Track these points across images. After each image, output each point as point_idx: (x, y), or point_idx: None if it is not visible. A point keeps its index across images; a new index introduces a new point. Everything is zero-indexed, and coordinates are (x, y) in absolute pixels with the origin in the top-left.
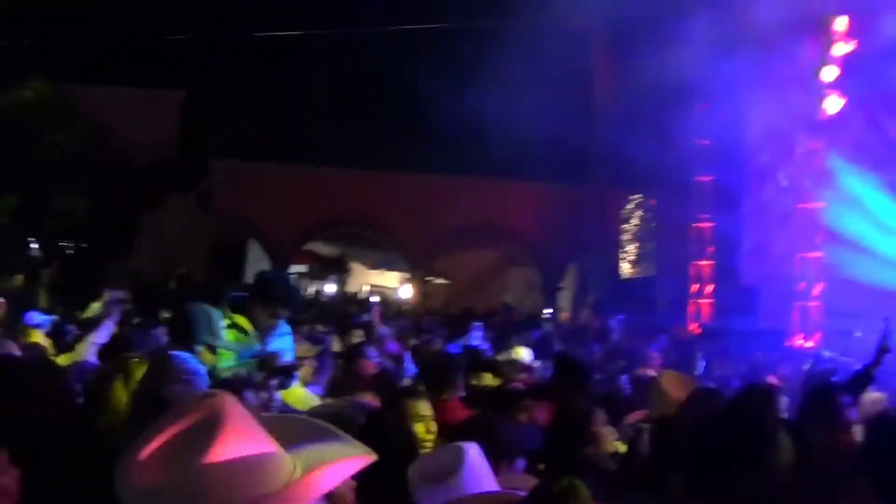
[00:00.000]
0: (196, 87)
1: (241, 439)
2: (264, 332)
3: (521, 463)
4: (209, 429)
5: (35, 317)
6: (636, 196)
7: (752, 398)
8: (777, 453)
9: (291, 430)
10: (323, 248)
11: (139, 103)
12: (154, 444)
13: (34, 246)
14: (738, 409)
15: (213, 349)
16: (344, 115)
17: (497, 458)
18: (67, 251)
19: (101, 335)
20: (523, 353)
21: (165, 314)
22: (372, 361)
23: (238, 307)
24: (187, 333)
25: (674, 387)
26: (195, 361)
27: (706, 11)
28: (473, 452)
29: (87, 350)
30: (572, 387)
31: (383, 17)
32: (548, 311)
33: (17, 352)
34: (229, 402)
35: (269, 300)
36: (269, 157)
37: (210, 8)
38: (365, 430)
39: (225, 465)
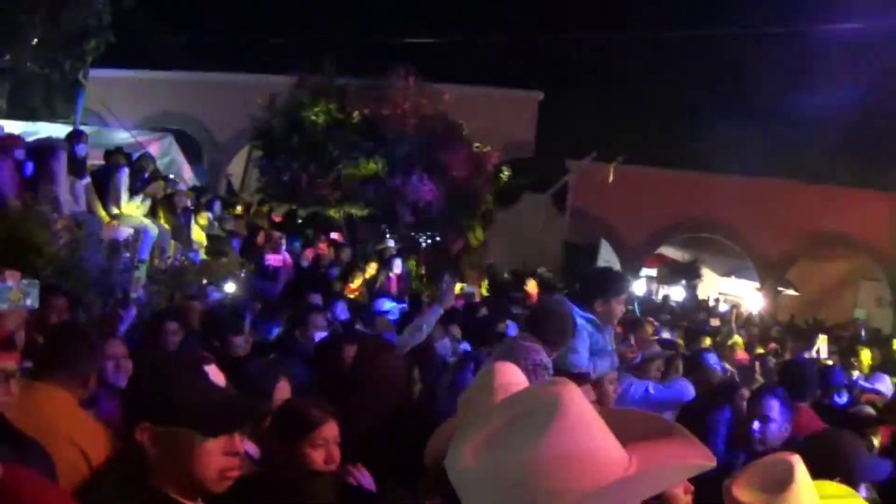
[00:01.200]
0: (554, 87)
1: (576, 429)
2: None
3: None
4: (545, 416)
5: (384, 303)
6: None
7: None
8: None
9: (632, 424)
10: (674, 253)
11: (498, 103)
12: (488, 429)
13: (390, 238)
14: None
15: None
16: (692, 117)
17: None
18: (423, 243)
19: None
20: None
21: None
22: (714, 367)
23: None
24: (540, 329)
25: None
26: (544, 355)
27: None
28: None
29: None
30: None
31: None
32: None
33: None
34: (570, 390)
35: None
36: (626, 159)
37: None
38: None
39: (556, 454)
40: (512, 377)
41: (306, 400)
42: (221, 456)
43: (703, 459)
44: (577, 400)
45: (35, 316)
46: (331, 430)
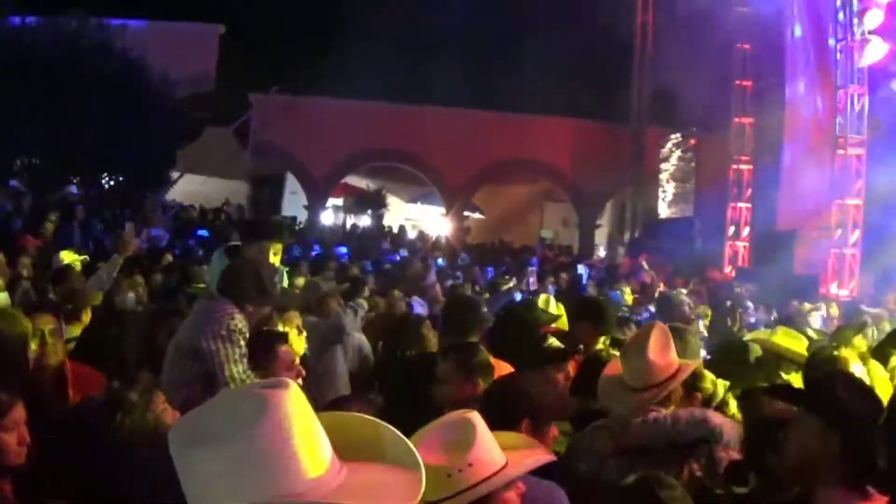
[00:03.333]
0: (235, 20)
1: (276, 433)
2: None
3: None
4: (247, 419)
5: (66, 256)
6: (675, 135)
7: None
8: None
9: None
10: (360, 182)
11: (178, 37)
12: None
13: (73, 181)
14: None
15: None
16: (380, 48)
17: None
18: (106, 185)
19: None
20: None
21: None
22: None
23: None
24: (233, 287)
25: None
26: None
27: None
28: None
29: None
30: None
31: None
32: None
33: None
34: (281, 393)
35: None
36: (308, 91)
37: None
38: None
39: (247, 454)
40: None
41: None
42: None
43: (417, 487)
44: (286, 404)
45: None
46: (19, 412)
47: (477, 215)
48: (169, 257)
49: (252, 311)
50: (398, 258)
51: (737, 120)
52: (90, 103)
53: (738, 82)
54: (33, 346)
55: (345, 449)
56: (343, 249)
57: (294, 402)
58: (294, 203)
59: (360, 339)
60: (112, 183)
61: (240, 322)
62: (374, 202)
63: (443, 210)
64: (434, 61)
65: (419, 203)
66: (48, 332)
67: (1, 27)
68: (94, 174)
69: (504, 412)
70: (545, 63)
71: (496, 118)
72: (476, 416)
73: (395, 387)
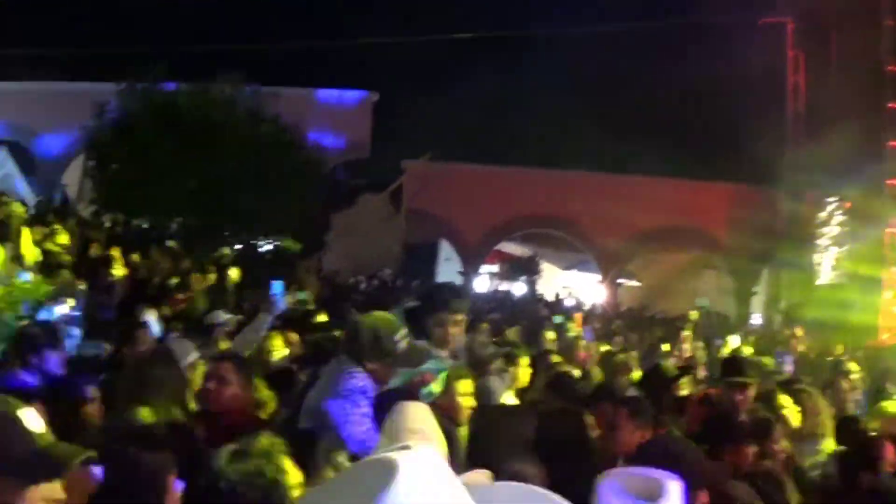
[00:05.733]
0: (387, 88)
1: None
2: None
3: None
4: (373, 490)
5: (219, 315)
6: (833, 198)
7: None
8: None
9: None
10: (514, 248)
11: (333, 104)
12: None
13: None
14: None
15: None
16: (531, 115)
17: None
18: (259, 249)
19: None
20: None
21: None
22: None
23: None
24: (354, 349)
25: None
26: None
27: None
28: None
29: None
30: None
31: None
32: None
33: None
34: (413, 457)
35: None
36: (461, 157)
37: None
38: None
39: None
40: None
41: None
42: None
43: None
44: (420, 468)
45: None
46: None
47: (633, 282)
48: (324, 316)
49: (376, 369)
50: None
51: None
52: (246, 166)
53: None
54: None
55: None
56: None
57: (428, 468)
58: (448, 269)
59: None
60: (266, 246)
61: (360, 381)
62: (529, 268)
63: (598, 277)
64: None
65: (575, 270)
66: None
67: (154, 91)
68: (249, 236)
69: None
70: (699, 128)
71: (651, 183)
72: None
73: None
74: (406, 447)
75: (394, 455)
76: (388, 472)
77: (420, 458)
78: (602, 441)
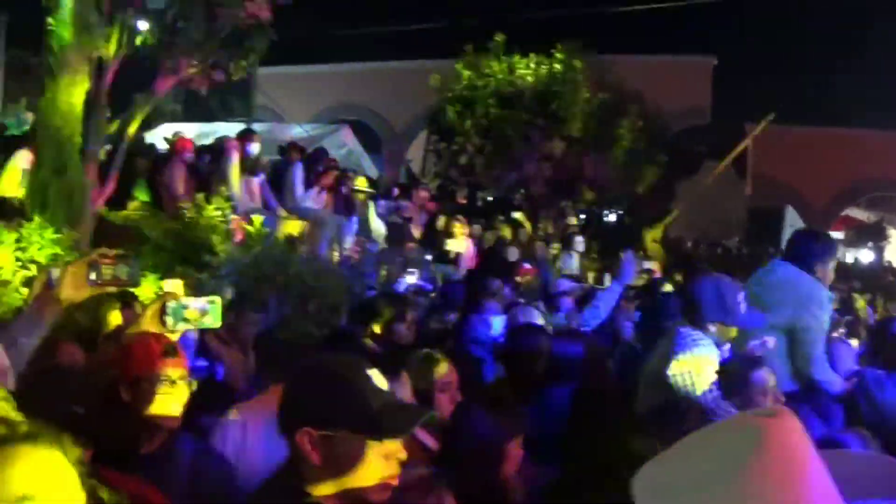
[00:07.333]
0: (726, 51)
1: (774, 474)
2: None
3: None
4: (738, 454)
5: (564, 283)
6: None
7: None
8: None
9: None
10: (859, 214)
11: (671, 70)
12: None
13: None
14: None
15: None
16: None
17: None
18: (604, 218)
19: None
20: None
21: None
22: None
23: None
24: (696, 311)
25: None
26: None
27: None
28: None
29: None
30: None
31: None
32: None
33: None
34: (779, 422)
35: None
36: (803, 120)
37: None
38: None
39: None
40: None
41: None
42: (385, 462)
43: None
44: (787, 435)
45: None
46: None
47: None
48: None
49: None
50: None
51: None
52: (588, 136)
53: None
54: None
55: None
56: None
57: (794, 432)
58: None
59: None
60: (611, 216)
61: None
62: (876, 234)
63: None
64: None
65: None
66: None
67: (494, 63)
68: (592, 206)
69: None
70: None
71: None
72: None
73: None
74: (768, 411)
75: (759, 418)
76: (754, 435)
77: (785, 423)
78: None
